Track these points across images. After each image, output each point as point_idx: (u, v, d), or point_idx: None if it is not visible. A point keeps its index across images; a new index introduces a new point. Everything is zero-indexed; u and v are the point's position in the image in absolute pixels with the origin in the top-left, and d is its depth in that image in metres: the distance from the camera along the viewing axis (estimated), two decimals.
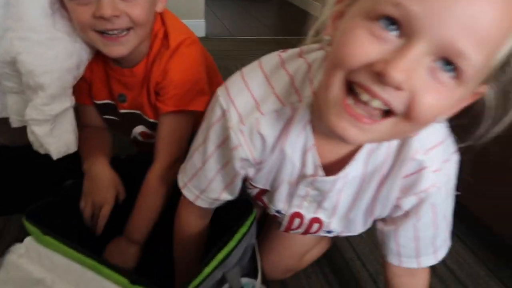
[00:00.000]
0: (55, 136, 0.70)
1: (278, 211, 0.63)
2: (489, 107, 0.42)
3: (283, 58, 0.53)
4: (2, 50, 0.64)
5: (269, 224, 0.86)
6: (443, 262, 0.93)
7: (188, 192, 0.62)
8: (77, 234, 0.66)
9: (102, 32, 0.64)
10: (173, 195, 0.72)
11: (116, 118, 0.82)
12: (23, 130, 0.72)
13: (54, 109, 0.67)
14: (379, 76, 0.35)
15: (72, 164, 0.77)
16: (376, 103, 0.37)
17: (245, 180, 0.62)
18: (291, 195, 0.59)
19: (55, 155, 0.71)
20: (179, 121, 0.74)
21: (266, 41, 2.36)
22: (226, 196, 0.62)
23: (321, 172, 0.53)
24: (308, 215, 0.61)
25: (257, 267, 0.72)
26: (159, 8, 0.71)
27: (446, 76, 0.36)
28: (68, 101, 0.70)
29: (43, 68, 0.64)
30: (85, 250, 0.58)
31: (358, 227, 0.63)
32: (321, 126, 0.50)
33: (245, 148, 0.53)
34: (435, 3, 0.33)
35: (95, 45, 0.67)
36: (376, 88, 0.36)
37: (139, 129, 0.84)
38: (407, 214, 0.56)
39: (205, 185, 0.60)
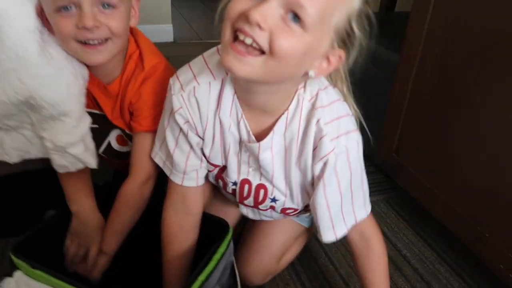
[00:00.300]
0: (89, 150, 0.76)
1: (234, 183, 0.75)
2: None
3: (219, 46, 0.65)
4: (9, 92, 0.66)
5: (247, 231, 0.92)
6: (408, 262, 1.02)
7: (166, 169, 0.74)
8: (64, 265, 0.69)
9: (83, 42, 0.69)
10: (154, 210, 0.77)
11: (96, 126, 0.83)
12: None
13: (83, 128, 0.74)
14: (247, 18, 0.49)
15: (52, 193, 0.80)
16: (248, 40, 0.50)
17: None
18: (239, 164, 0.71)
19: (95, 165, 0.77)
20: (153, 139, 0.78)
21: None
22: (192, 164, 0.71)
23: (252, 138, 0.66)
24: (254, 182, 0.73)
25: (236, 282, 0.78)
26: (133, 23, 0.76)
27: (294, 25, 0.50)
28: (88, 118, 0.76)
29: (63, 97, 0.69)
30: (74, 281, 0.61)
31: (299, 198, 0.73)
32: (243, 99, 0.63)
33: (185, 110, 0.65)
34: None
35: (76, 55, 0.71)
36: (247, 28, 0.50)
37: (116, 132, 0.86)
38: (318, 182, 0.66)
39: (170, 155, 0.71)
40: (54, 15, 0.67)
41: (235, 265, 0.78)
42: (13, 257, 0.64)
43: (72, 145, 0.72)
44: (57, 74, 0.69)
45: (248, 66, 0.52)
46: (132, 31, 0.79)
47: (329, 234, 0.69)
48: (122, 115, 0.81)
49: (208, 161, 0.73)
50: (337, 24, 0.53)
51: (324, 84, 0.65)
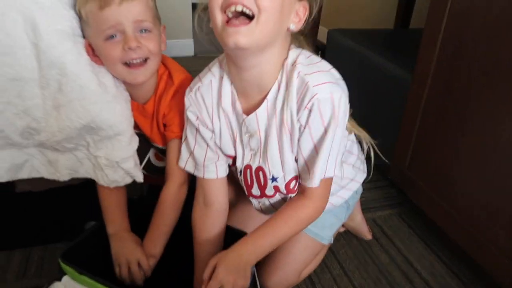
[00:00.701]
0: (137, 165, 0.88)
1: (240, 172, 0.84)
2: None
3: (219, 57, 0.79)
4: (73, 118, 0.79)
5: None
6: (419, 275, 1.07)
7: (190, 166, 0.84)
8: (108, 270, 0.77)
9: (128, 65, 0.81)
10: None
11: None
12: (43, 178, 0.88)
13: (134, 145, 0.88)
14: None
15: (91, 206, 0.90)
16: (239, 7, 0.61)
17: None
18: (243, 149, 0.81)
19: (142, 179, 0.90)
20: None
21: None
22: (210, 157, 0.82)
23: (243, 114, 0.76)
24: (254, 165, 0.81)
25: None
26: (162, 47, 0.88)
27: None
28: (136, 136, 0.89)
29: (119, 119, 0.83)
30: (115, 286, 0.69)
31: (291, 165, 0.79)
32: (238, 81, 0.74)
33: (193, 107, 0.79)
34: None
35: (121, 76, 0.84)
36: None
37: (153, 150, 0.99)
38: (304, 130, 0.72)
39: (192, 153, 0.82)
40: (103, 44, 0.79)
41: (256, 274, 0.85)
42: (61, 263, 0.73)
43: (125, 160, 0.84)
44: (113, 100, 0.82)
45: (246, 35, 0.62)
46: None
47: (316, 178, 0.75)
48: (158, 129, 0.92)
49: (223, 153, 0.83)
50: None
51: (305, 53, 0.73)
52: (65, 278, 0.73)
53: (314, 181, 0.75)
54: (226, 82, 0.76)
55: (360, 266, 1.09)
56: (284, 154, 0.78)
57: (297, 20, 0.69)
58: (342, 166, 0.92)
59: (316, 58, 0.74)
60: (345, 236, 1.19)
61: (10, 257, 1.05)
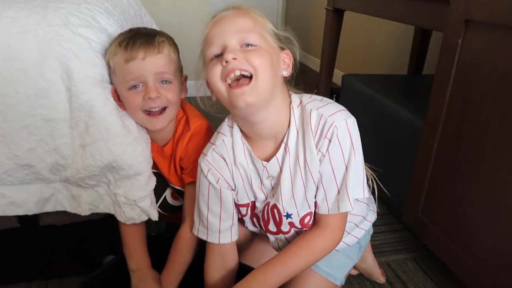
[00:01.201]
0: (153, 204, 0.93)
1: (260, 211, 0.86)
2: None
3: (226, 119, 0.85)
4: (97, 157, 0.85)
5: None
6: None
7: (202, 234, 0.86)
8: None
9: (147, 112, 0.87)
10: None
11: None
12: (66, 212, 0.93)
13: (151, 185, 0.92)
14: (226, 63, 0.69)
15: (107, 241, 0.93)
16: (237, 72, 0.69)
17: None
18: (264, 193, 0.84)
19: (157, 217, 0.94)
20: None
21: None
22: (225, 223, 0.84)
23: (262, 161, 0.80)
24: (271, 202, 0.83)
25: None
26: (183, 95, 0.95)
27: (251, 48, 0.71)
28: (154, 176, 0.94)
29: (139, 160, 0.88)
30: None
31: (304, 201, 0.81)
32: (251, 135, 0.79)
33: (213, 170, 0.82)
34: (218, 27, 0.73)
35: (143, 123, 0.90)
36: (231, 66, 0.69)
37: (170, 189, 1.02)
38: (324, 156, 0.76)
39: (206, 217, 0.84)
40: (127, 92, 0.86)
41: None
42: None
43: (142, 199, 0.88)
44: (134, 142, 0.87)
45: (251, 93, 0.69)
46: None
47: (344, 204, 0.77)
48: (175, 171, 0.97)
49: (237, 205, 0.86)
50: (271, 35, 0.75)
51: (304, 95, 0.80)
52: None
53: (334, 207, 0.78)
54: (237, 139, 0.81)
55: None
56: (297, 191, 0.80)
57: (285, 66, 0.77)
58: (356, 202, 0.92)
59: (317, 96, 0.80)
60: (358, 280, 1.18)
61: None
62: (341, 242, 0.89)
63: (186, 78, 0.95)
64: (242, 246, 0.97)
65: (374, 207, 1.02)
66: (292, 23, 3.99)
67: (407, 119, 1.38)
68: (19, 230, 1.01)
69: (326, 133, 0.74)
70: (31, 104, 0.84)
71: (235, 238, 0.87)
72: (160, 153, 0.96)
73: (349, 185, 0.76)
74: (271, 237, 0.92)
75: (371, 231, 1.03)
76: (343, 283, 0.98)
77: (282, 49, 0.78)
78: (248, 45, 0.71)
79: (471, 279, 1.06)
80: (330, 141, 0.74)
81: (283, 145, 0.78)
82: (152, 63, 0.84)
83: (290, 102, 0.79)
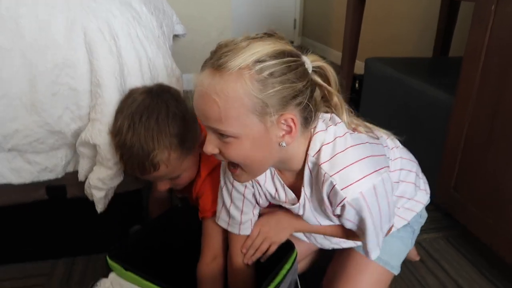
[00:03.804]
0: (106, 198, 0.97)
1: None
2: None
3: None
4: (88, 133, 0.87)
5: (335, 270, 0.92)
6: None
7: (222, 222, 0.85)
8: (152, 267, 0.78)
9: None
10: None
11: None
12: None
13: (115, 183, 0.93)
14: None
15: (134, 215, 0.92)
16: (225, 161, 0.69)
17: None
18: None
19: (99, 211, 0.97)
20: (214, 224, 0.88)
21: None
22: (246, 217, 0.83)
23: (290, 193, 0.76)
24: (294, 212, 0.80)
25: None
26: (195, 162, 0.91)
27: (227, 139, 0.62)
28: (121, 177, 0.95)
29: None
30: (160, 282, 0.70)
31: (326, 222, 0.79)
32: (277, 171, 0.76)
33: (250, 187, 0.80)
34: (195, 106, 0.65)
35: None
36: (219, 157, 0.67)
37: None
38: (341, 216, 0.71)
39: (228, 208, 0.82)
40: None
41: (298, 284, 0.84)
42: (108, 260, 0.75)
43: (99, 190, 0.94)
44: None
45: (241, 176, 0.69)
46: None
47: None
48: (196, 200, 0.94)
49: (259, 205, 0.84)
50: (254, 110, 0.59)
51: (329, 139, 0.68)
52: (112, 275, 0.74)
53: (369, 255, 0.75)
54: (269, 174, 0.77)
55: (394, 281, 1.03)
56: (318, 216, 0.77)
57: (284, 133, 0.63)
58: (399, 187, 0.87)
59: (342, 143, 0.67)
60: None
61: (55, 266, 1.09)
62: None
63: (197, 154, 0.91)
64: None
65: (426, 187, 0.94)
66: (311, 17, 3.97)
67: (435, 97, 1.34)
68: (47, 202, 1.02)
69: (338, 204, 0.66)
70: (59, 73, 0.84)
71: None
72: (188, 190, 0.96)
73: (368, 241, 0.72)
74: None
75: (425, 215, 0.96)
76: (399, 272, 0.91)
77: (283, 109, 0.61)
78: (223, 135, 0.62)
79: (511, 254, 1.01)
80: (343, 207, 0.67)
81: (302, 191, 0.73)
82: (152, 177, 0.86)
83: (308, 147, 0.69)
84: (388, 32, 2.65)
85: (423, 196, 0.92)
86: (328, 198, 0.68)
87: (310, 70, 0.65)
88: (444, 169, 1.22)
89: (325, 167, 0.66)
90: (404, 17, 2.48)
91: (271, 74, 0.59)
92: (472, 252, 1.18)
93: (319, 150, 0.67)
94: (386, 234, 0.77)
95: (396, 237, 0.89)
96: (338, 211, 0.68)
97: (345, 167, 0.65)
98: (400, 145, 0.88)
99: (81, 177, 0.95)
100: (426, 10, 2.26)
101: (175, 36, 1.89)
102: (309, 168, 0.69)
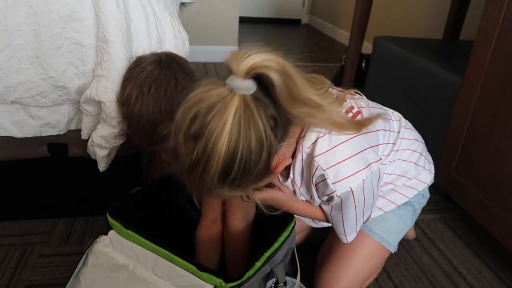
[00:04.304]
0: (109, 157, 0.95)
1: None
2: None
3: None
4: (93, 90, 0.84)
5: (330, 251, 0.93)
6: (464, 279, 1.02)
7: None
8: (151, 228, 0.78)
9: None
10: None
11: None
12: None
13: (118, 142, 0.91)
14: None
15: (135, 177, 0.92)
16: None
17: None
18: None
19: (101, 170, 0.96)
20: None
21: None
22: None
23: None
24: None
25: (296, 268, 0.83)
26: None
27: None
28: (123, 139, 0.92)
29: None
30: (159, 241, 0.70)
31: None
32: None
33: None
34: None
35: None
36: None
37: None
38: (327, 202, 0.76)
39: None
40: None
41: (295, 253, 0.84)
42: (109, 218, 0.75)
43: (101, 148, 0.92)
44: None
45: None
46: None
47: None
48: None
49: None
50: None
51: (324, 132, 0.69)
52: (111, 233, 0.74)
53: (344, 239, 0.81)
54: None
55: (400, 264, 1.05)
56: (305, 193, 0.80)
57: (276, 165, 0.62)
58: (401, 166, 0.88)
59: (336, 136, 0.69)
60: None
61: (55, 224, 1.10)
62: (386, 200, 0.88)
63: None
64: None
65: (431, 167, 0.94)
66: None
67: (442, 77, 1.32)
68: (49, 160, 1.01)
69: (326, 194, 0.71)
70: (64, 26, 0.82)
71: None
72: None
73: (347, 225, 0.78)
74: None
75: (427, 195, 0.94)
76: (396, 251, 0.92)
77: (267, 172, 0.61)
78: None
79: (508, 237, 1.01)
80: (331, 198, 0.71)
81: (291, 172, 0.76)
82: (159, 149, 0.84)
83: (300, 135, 0.70)
84: (399, 13, 2.60)
85: (427, 175, 0.92)
86: (316, 185, 0.72)
87: (250, 92, 0.54)
88: (446, 151, 1.22)
89: (319, 160, 0.68)
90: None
91: (240, 179, 0.57)
92: (468, 234, 1.19)
93: (314, 142, 0.69)
94: (365, 222, 0.81)
95: (397, 215, 0.90)
96: (324, 199, 0.74)
97: (338, 163, 0.68)
98: (405, 124, 0.88)
99: (84, 135, 0.94)
100: None
101: (182, 5, 1.85)
102: (302, 158, 0.72)
